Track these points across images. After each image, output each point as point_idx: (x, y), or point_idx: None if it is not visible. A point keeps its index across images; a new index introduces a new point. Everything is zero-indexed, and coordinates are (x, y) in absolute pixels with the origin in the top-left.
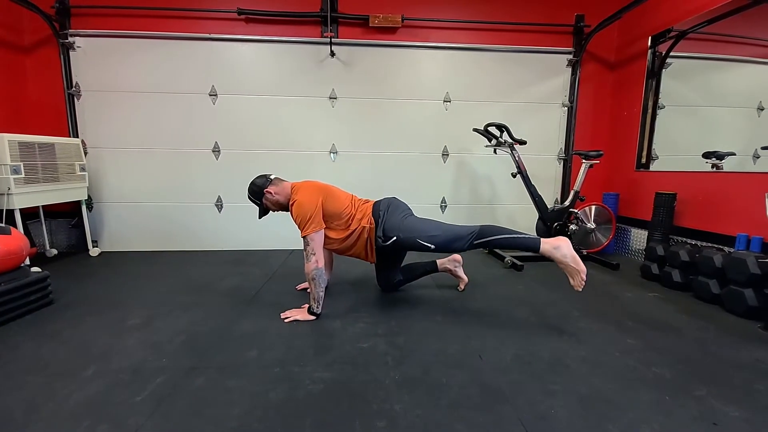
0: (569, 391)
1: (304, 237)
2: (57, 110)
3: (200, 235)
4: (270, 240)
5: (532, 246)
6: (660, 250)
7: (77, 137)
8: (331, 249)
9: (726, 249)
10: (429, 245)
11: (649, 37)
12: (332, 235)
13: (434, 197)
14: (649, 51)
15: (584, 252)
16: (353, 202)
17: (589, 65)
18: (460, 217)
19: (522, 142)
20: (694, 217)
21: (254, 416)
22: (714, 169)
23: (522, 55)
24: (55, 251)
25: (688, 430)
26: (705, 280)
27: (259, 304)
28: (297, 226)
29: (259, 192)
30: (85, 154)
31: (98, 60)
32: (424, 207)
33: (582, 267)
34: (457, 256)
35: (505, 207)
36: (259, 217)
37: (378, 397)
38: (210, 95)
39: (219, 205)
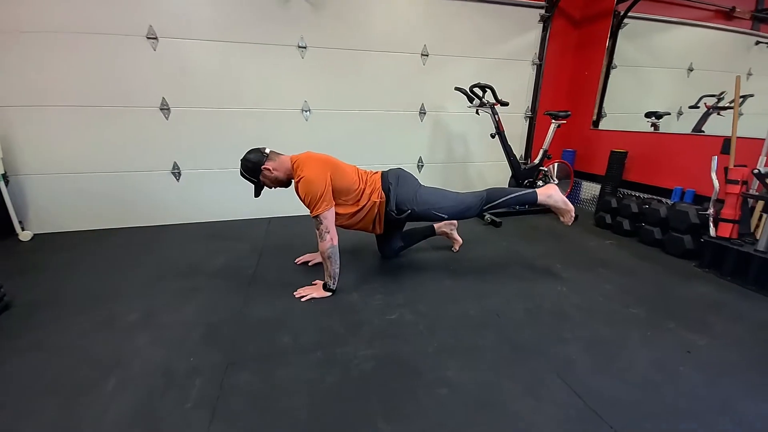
0: (578, 338)
1: (315, 216)
2: None
3: (158, 208)
4: (243, 209)
5: (532, 199)
6: (614, 203)
7: None
8: (337, 224)
9: (663, 200)
10: (443, 216)
11: None
12: (340, 210)
13: (411, 157)
14: (615, 10)
15: None
16: (360, 175)
17: (558, 22)
18: (435, 176)
19: (504, 104)
20: (639, 172)
21: (320, 403)
22: (653, 129)
23: (497, 7)
24: None
25: (673, 358)
26: (650, 228)
27: (263, 284)
28: (305, 205)
29: (255, 169)
30: None
31: None
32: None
33: (570, 207)
34: (454, 220)
35: (476, 165)
36: (256, 196)
37: (427, 366)
38: (148, 38)
39: (176, 172)
